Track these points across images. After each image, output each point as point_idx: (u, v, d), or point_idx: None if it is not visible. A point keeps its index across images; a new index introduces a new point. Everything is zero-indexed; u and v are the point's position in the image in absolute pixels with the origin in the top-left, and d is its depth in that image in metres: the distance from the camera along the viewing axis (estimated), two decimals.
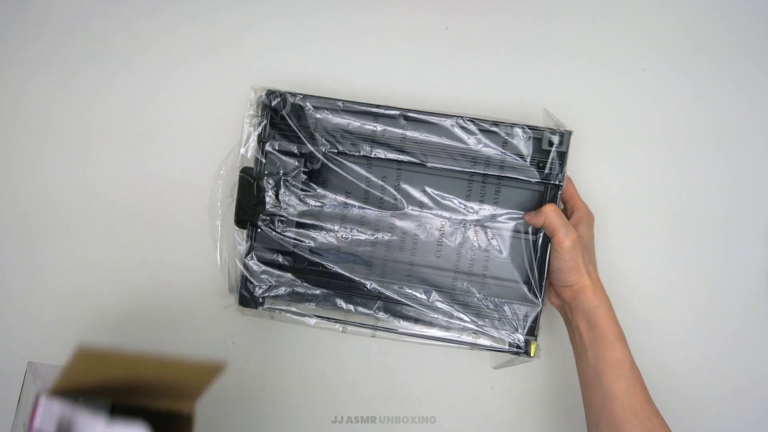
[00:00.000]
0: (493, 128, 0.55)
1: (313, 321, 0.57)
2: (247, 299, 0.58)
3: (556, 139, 0.54)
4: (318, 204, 0.57)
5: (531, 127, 0.54)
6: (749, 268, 0.61)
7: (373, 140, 0.56)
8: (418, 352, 0.62)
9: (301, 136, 0.56)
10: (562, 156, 0.54)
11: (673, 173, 0.61)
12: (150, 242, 0.65)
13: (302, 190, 0.57)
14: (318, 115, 0.56)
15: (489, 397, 0.62)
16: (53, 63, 0.66)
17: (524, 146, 0.55)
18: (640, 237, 0.61)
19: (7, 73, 0.67)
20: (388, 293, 0.56)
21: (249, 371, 0.63)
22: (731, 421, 0.60)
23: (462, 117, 0.55)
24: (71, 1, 0.66)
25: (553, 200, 0.55)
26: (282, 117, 0.56)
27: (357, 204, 0.57)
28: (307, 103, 0.56)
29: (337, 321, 0.58)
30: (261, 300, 0.58)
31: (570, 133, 0.54)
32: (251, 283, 0.57)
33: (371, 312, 0.57)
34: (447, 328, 0.57)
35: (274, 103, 0.56)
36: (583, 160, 0.61)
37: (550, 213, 0.51)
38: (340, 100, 0.56)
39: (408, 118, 0.56)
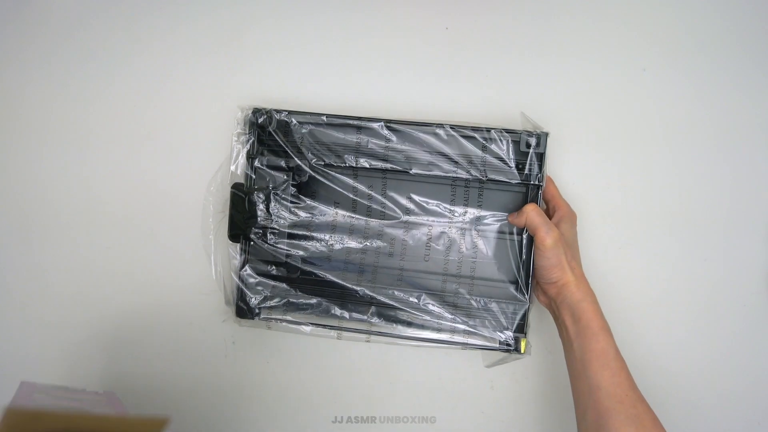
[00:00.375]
0: (472, 133, 0.56)
1: (308, 329, 0.59)
2: (244, 311, 0.59)
3: (533, 140, 0.55)
4: (308, 215, 0.59)
5: (508, 131, 0.56)
6: (749, 268, 0.60)
7: (358, 151, 0.57)
8: (418, 352, 0.62)
9: (288, 150, 0.58)
10: (540, 157, 0.55)
11: (673, 173, 0.61)
12: (149, 245, 0.65)
13: (292, 202, 0.59)
14: (303, 130, 0.58)
15: (488, 396, 0.62)
16: (53, 63, 0.66)
17: (503, 149, 0.56)
18: (640, 237, 0.61)
19: (7, 73, 0.67)
20: (380, 298, 0.57)
21: (249, 371, 0.64)
22: (731, 421, 0.60)
23: (442, 124, 0.56)
24: (71, 1, 0.66)
25: (534, 200, 0.56)
26: (269, 133, 0.58)
27: (345, 213, 0.58)
28: (293, 119, 0.58)
29: (332, 328, 0.59)
30: (257, 310, 0.59)
31: (546, 134, 0.55)
32: (247, 294, 0.59)
33: (365, 317, 0.58)
34: (439, 330, 0.58)
35: (260, 120, 0.58)
36: (584, 160, 0.61)
37: (531, 213, 0.53)
38: (324, 114, 0.57)
39: (390, 127, 0.57)
